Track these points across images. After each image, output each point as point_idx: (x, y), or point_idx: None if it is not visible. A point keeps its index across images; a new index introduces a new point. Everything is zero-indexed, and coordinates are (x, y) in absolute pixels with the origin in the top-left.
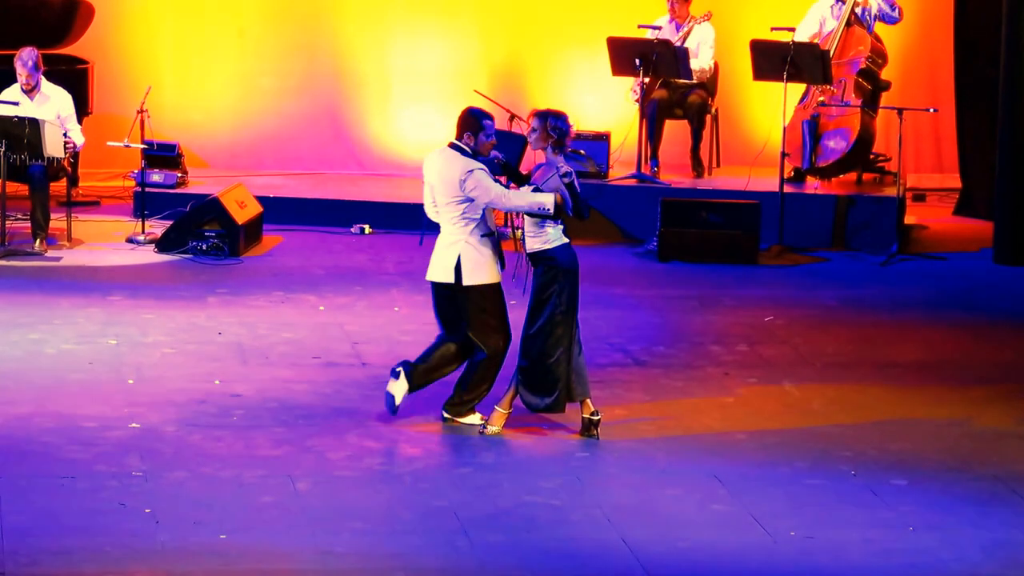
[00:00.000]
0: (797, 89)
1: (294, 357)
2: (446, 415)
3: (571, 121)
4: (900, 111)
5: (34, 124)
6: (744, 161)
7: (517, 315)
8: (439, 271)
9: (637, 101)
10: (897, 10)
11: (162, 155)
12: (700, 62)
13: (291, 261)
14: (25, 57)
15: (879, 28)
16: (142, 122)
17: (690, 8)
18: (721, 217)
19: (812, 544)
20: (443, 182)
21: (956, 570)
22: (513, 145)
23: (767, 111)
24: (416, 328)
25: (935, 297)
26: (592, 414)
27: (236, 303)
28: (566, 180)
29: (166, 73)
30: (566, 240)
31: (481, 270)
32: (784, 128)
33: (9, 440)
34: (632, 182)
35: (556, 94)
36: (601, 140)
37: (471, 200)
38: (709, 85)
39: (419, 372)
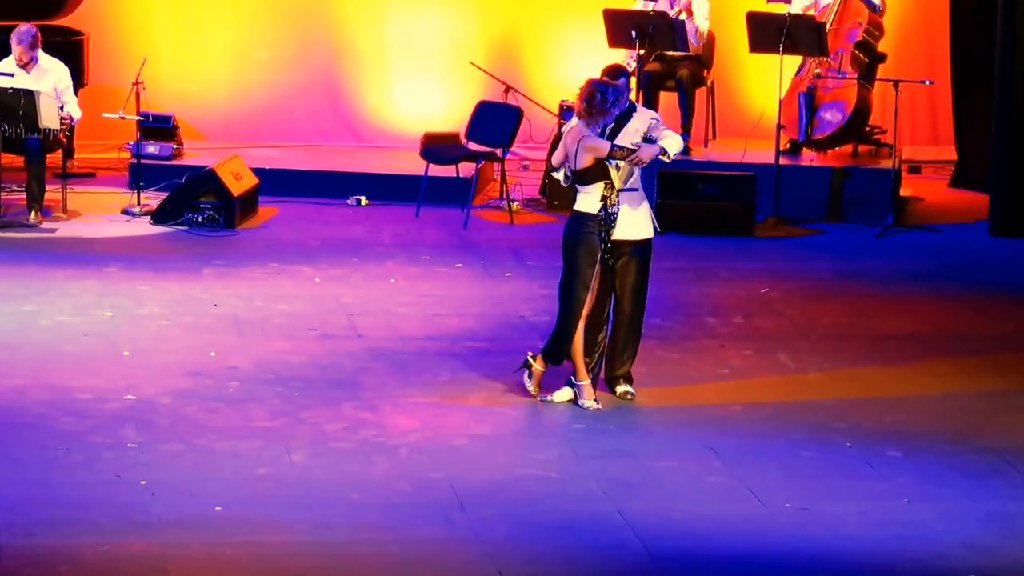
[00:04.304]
0: (793, 61)
1: (290, 329)
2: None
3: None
4: (896, 83)
5: (29, 95)
6: (740, 133)
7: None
8: None
9: (633, 73)
10: (879, 2)
11: (158, 127)
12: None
13: (287, 233)
14: (23, 34)
15: None
16: (137, 94)
17: None
18: (717, 189)
19: (807, 516)
20: None
21: (951, 542)
22: (508, 117)
23: (763, 83)
24: (412, 300)
25: (931, 269)
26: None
27: (232, 275)
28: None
29: (162, 45)
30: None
31: None
32: (780, 100)
33: (3, 412)
34: None
35: (552, 66)
36: None
37: None
38: (704, 57)
39: None
